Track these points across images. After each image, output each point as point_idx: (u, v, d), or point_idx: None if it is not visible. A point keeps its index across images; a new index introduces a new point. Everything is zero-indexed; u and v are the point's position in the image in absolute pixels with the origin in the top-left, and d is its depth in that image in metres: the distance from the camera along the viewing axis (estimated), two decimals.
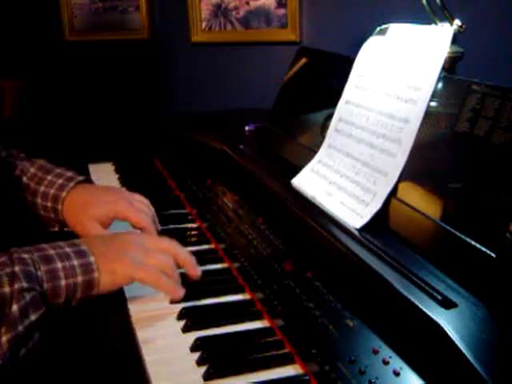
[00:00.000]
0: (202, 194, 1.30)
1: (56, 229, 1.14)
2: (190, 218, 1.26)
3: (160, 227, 1.14)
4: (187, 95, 2.52)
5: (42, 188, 1.12)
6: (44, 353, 0.86)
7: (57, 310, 0.83)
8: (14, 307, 0.75)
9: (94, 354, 1.20)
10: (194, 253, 1.10)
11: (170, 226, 1.22)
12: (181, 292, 0.89)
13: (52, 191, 1.11)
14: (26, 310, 0.76)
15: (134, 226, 1.06)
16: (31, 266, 0.80)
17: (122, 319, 0.89)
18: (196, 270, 0.94)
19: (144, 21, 2.51)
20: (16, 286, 0.76)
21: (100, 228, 1.05)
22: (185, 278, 0.99)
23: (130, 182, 1.48)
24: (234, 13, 2.34)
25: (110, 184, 1.48)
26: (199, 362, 0.76)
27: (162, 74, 2.56)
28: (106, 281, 0.86)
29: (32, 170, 1.17)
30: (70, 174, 1.15)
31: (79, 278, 0.83)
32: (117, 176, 1.54)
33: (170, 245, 0.95)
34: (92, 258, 0.85)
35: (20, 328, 0.75)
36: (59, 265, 0.83)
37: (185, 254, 0.96)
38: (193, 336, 0.82)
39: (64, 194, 1.10)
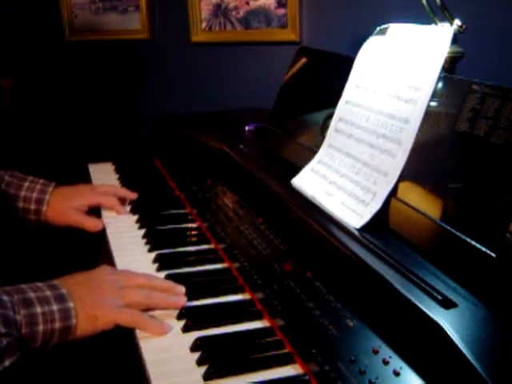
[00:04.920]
0: (202, 194, 1.30)
1: (31, 227, 1.31)
2: (189, 217, 1.26)
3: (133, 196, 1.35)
4: (187, 95, 2.52)
5: (23, 193, 1.28)
6: (44, 353, 0.86)
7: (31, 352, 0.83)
8: None
9: (94, 354, 1.20)
10: (194, 253, 1.10)
11: (169, 226, 1.22)
12: (166, 328, 0.85)
13: (34, 195, 1.28)
14: (1, 355, 0.75)
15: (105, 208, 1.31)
16: (10, 309, 0.79)
17: None
18: (178, 298, 0.91)
19: (144, 21, 2.51)
20: None
21: (80, 215, 1.27)
22: (185, 278, 0.99)
23: (129, 181, 1.48)
24: (233, 13, 2.34)
25: (110, 184, 1.48)
26: (199, 362, 0.76)
27: (162, 74, 2.56)
28: (85, 327, 0.85)
29: (7, 177, 1.31)
30: (42, 180, 1.33)
31: (57, 324, 0.83)
32: (117, 176, 1.54)
33: (145, 278, 0.95)
34: (71, 304, 0.84)
35: None
36: (38, 309, 0.82)
37: (162, 283, 0.95)
38: (193, 336, 0.82)
39: (47, 196, 1.29)
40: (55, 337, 0.83)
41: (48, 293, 0.85)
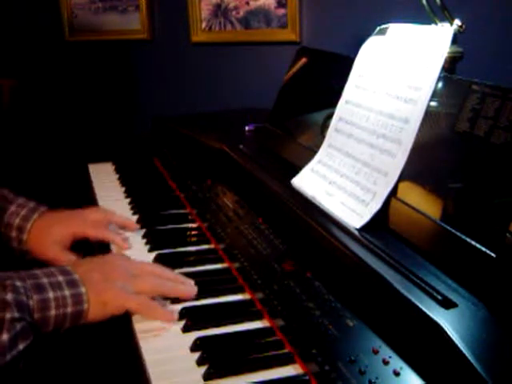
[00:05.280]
0: (202, 194, 1.30)
1: (16, 256, 1.14)
2: (190, 217, 1.26)
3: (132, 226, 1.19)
4: (187, 95, 2.52)
5: (6, 219, 1.13)
6: (44, 352, 0.86)
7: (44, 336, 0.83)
8: (5, 336, 0.75)
9: (94, 354, 1.20)
10: (194, 253, 1.10)
11: (169, 226, 1.22)
12: (174, 316, 0.87)
13: (17, 221, 1.12)
14: (16, 339, 0.77)
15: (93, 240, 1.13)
16: (23, 295, 0.80)
17: (123, 319, 0.89)
18: (188, 287, 0.93)
19: (144, 21, 2.51)
20: (8, 315, 0.76)
21: (60, 251, 1.09)
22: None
23: (129, 182, 1.48)
24: (233, 13, 2.34)
25: (110, 184, 1.48)
26: (199, 362, 0.76)
27: (162, 74, 2.56)
28: (96, 311, 0.86)
29: None
30: (32, 204, 1.16)
31: (69, 309, 0.84)
32: (117, 176, 1.54)
33: (157, 267, 0.97)
34: (83, 289, 0.85)
35: (8, 357, 0.75)
36: (51, 295, 0.83)
37: (173, 274, 0.96)
38: (193, 336, 0.82)
39: (29, 224, 1.12)
40: (67, 321, 0.84)
41: (60, 278, 0.86)
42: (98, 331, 0.98)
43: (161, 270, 0.96)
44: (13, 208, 1.14)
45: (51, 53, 2.64)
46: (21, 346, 0.77)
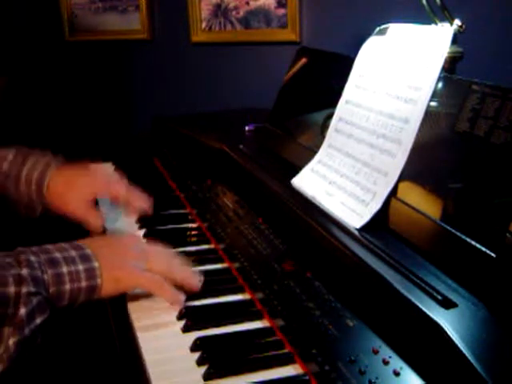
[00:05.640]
0: (202, 194, 1.30)
1: (38, 213, 1.16)
2: (190, 217, 1.26)
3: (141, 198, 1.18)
4: (187, 95, 2.52)
5: (25, 173, 1.13)
6: (45, 352, 0.86)
7: (59, 311, 0.84)
8: (22, 310, 0.76)
9: (94, 354, 1.20)
10: (194, 253, 1.10)
11: (169, 226, 1.22)
12: (182, 297, 0.89)
13: (35, 175, 1.13)
14: (33, 313, 0.77)
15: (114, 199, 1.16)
16: (38, 269, 0.81)
17: (122, 319, 0.89)
18: (196, 278, 0.94)
19: (144, 21, 2.51)
20: (24, 289, 0.77)
21: (84, 207, 1.11)
22: None
23: (129, 182, 1.47)
24: (233, 13, 2.34)
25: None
26: (199, 362, 0.76)
27: (162, 74, 2.56)
28: (108, 287, 0.87)
29: (10, 156, 1.16)
30: (48, 157, 1.17)
31: (83, 283, 0.84)
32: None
33: (167, 250, 0.98)
34: (96, 264, 0.86)
35: (26, 331, 0.76)
36: (65, 269, 0.83)
37: (182, 259, 0.97)
38: (193, 336, 0.82)
39: (47, 178, 1.13)
40: (81, 296, 0.85)
41: (73, 253, 0.86)
42: (98, 331, 0.99)
43: (174, 254, 0.97)
44: (30, 163, 1.15)
45: (51, 53, 2.64)
46: (38, 320, 0.78)
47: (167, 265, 0.92)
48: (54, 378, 1.12)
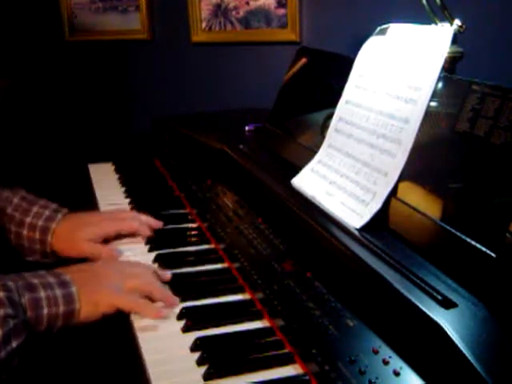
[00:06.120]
0: (202, 194, 1.30)
1: (36, 258, 1.15)
2: (190, 217, 1.26)
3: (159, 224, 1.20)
4: (187, 95, 2.52)
5: (29, 219, 1.13)
6: (45, 352, 0.86)
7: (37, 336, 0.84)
8: None
9: (94, 354, 1.20)
10: (194, 253, 1.10)
11: (169, 226, 1.22)
12: (163, 312, 0.88)
13: (40, 223, 1.12)
14: (9, 336, 0.77)
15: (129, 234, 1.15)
16: (15, 293, 0.81)
17: (122, 319, 0.89)
18: (174, 298, 0.92)
19: (144, 21, 2.50)
20: (1, 311, 0.77)
21: (95, 245, 1.10)
22: (185, 278, 1.00)
23: (129, 182, 1.48)
24: (233, 13, 2.34)
25: (110, 184, 1.48)
26: (199, 362, 0.76)
27: (162, 74, 2.56)
28: (87, 311, 0.87)
29: (15, 200, 1.16)
30: (54, 205, 1.17)
31: (61, 308, 0.85)
32: (117, 176, 1.54)
33: (144, 267, 0.98)
34: (74, 289, 0.87)
35: (2, 354, 0.76)
36: (42, 294, 0.84)
37: (163, 273, 0.97)
38: (193, 336, 0.82)
39: (54, 225, 1.12)
40: (59, 320, 0.85)
41: (51, 279, 0.87)
42: (98, 331, 0.98)
43: (152, 272, 0.96)
44: (35, 208, 1.14)
45: (51, 53, 2.64)
46: (14, 344, 0.78)
47: (145, 282, 0.92)
48: (54, 378, 1.12)
